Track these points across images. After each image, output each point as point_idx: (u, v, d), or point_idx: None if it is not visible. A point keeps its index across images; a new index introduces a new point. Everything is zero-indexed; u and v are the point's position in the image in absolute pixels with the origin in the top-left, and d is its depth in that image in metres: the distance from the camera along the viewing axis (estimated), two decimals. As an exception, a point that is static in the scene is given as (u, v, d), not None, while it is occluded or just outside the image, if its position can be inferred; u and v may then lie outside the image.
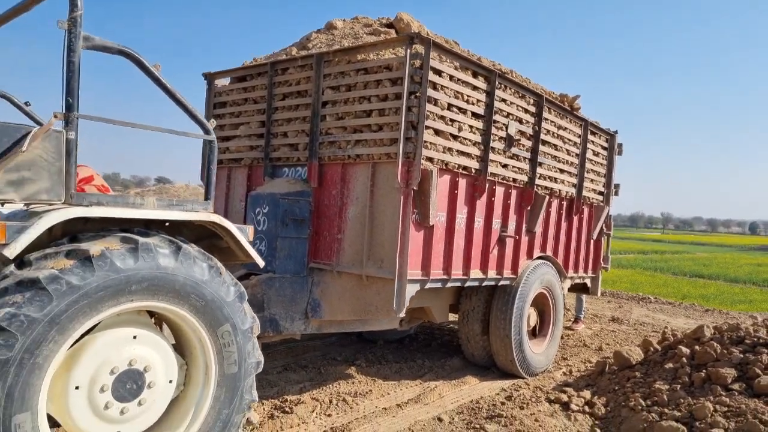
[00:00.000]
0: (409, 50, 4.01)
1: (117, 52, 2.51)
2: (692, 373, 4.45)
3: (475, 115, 4.67)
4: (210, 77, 5.52)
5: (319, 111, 4.59)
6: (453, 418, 4.42)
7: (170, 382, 2.86)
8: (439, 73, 4.23)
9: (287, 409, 4.36)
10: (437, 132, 4.29)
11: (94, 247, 2.42)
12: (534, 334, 6.17)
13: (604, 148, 7.22)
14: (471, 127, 4.63)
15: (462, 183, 4.66)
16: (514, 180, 5.32)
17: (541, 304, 6.21)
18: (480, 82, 4.69)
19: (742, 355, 4.37)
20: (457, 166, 4.53)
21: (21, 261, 2.35)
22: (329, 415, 4.37)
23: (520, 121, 5.28)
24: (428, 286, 4.40)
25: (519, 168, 5.34)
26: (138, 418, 2.72)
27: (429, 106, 4.12)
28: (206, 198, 2.98)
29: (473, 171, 4.74)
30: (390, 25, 5.26)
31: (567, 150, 6.20)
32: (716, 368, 4.23)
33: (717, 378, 4.15)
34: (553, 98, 5.89)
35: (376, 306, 4.25)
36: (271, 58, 5.22)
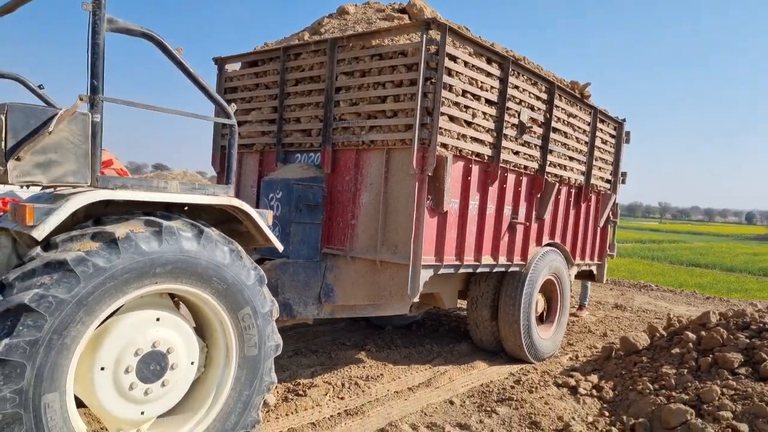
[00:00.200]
0: (425, 36, 3.99)
1: (140, 34, 2.51)
2: (699, 357, 4.50)
3: (488, 101, 4.67)
4: (221, 62, 5.50)
5: (332, 97, 4.58)
6: (464, 401, 4.48)
7: (192, 363, 2.90)
8: (454, 59, 4.22)
9: (300, 392, 4.42)
10: (452, 118, 4.29)
11: (120, 230, 2.44)
12: (541, 320, 6.22)
13: (612, 136, 7.22)
14: (484, 113, 4.63)
15: (475, 170, 4.67)
16: (525, 167, 5.33)
17: (549, 290, 6.25)
18: (494, 69, 4.68)
19: (748, 341, 4.41)
20: (470, 152, 4.54)
21: (47, 243, 2.38)
22: (342, 398, 4.42)
23: (532, 108, 5.28)
24: (441, 271, 4.43)
25: (530, 155, 5.35)
26: (161, 399, 2.76)
27: (444, 92, 4.12)
28: (227, 182, 3.00)
29: (486, 158, 4.75)
30: (402, 11, 5.23)
31: (576, 138, 6.20)
32: (723, 353, 4.28)
33: (724, 362, 4.21)
34: (564, 86, 5.88)
35: (390, 291, 4.29)
36: (283, 43, 5.20)
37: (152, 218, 2.60)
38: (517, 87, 5.00)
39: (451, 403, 4.43)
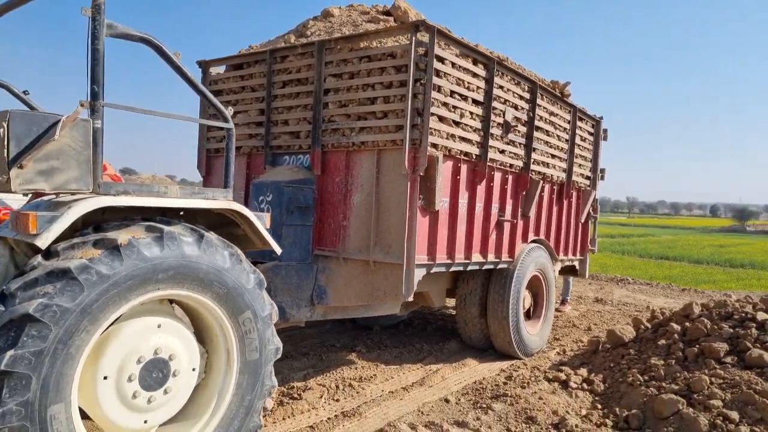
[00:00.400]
0: (414, 38, 4.03)
1: (139, 39, 2.48)
2: (685, 348, 4.63)
3: (475, 101, 4.74)
4: (205, 65, 5.44)
5: (321, 99, 4.59)
6: (459, 399, 4.52)
7: (193, 370, 2.87)
8: (442, 60, 4.27)
9: (295, 395, 4.40)
10: (441, 119, 4.34)
11: (122, 237, 2.40)
12: (528, 315, 6.32)
13: (590, 134, 7.38)
14: (471, 113, 4.70)
15: (463, 169, 4.73)
16: (511, 165, 5.41)
17: (535, 286, 6.36)
18: (479, 69, 4.75)
19: (732, 330, 4.57)
20: (459, 152, 4.60)
21: (47, 251, 2.33)
22: (337, 400, 4.42)
23: (516, 107, 5.36)
24: (434, 270, 4.47)
25: (515, 153, 5.44)
26: (164, 406, 2.73)
27: (433, 93, 4.16)
28: (225, 186, 2.98)
29: (474, 157, 4.81)
30: (387, 13, 5.26)
31: (558, 136, 6.32)
32: (709, 343, 4.42)
33: (710, 352, 4.34)
34: (546, 85, 5.99)
35: (383, 291, 4.31)
36: (269, 46, 5.18)
37: (153, 224, 2.58)
38: (501, 87, 5.07)
39: (447, 401, 4.47)
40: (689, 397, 3.91)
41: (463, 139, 4.63)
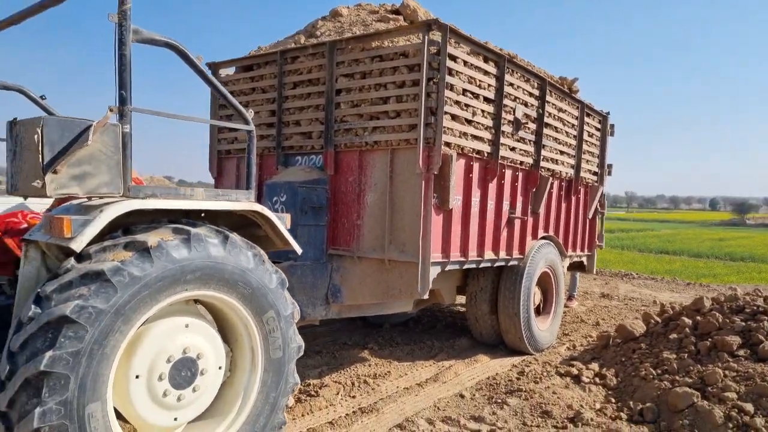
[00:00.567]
0: (427, 37, 4.06)
1: (163, 44, 2.52)
2: (697, 342, 4.67)
3: (486, 99, 4.77)
4: (215, 67, 5.48)
5: (333, 99, 4.62)
6: (474, 395, 4.57)
7: (219, 368, 2.92)
8: (454, 58, 4.30)
9: (312, 392, 4.46)
10: (453, 117, 4.38)
11: (151, 239, 2.45)
12: (538, 311, 6.36)
13: (598, 130, 7.41)
14: (483, 111, 4.73)
15: (476, 167, 4.77)
16: (521, 163, 5.45)
17: (545, 282, 6.40)
18: (490, 67, 4.78)
19: (744, 324, 4.61)
20: (471, 150, 4.64)
21: (79, 254, 2.37)
22: (353, 397, 4.47)
23: (526, 104, 5.40)
24: (448, 267, 4.52)
25: (525, 151, 5.48)
26: (193, 404, 2.78)
27: (446, 92, 4.20)
28: (247, 187, 3.02)
29: (485, 155, 4.85)
30: (396, 12, 5.29)
31: (566, 132, 6.36)
32: (721, 336, 4.46)
33: (723, 345, 4.38)
34: (554, 82, 6.03)
35: (399, 289, 4.35)
36: (279, 47, 5.22)
37: (180, 226, 2.62)
38: (512, 84, 5.11)
39: (462, 396, 4.52)
40: (703, 390, 3.96)
41: (475, 137, 4.66)
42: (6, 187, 2.42)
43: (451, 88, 4.29)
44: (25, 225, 2.83)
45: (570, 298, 9.04)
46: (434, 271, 4.32)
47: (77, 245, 2.24)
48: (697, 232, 39.44)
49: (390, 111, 4.34)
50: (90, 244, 2.41)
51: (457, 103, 4.41)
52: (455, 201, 4.51)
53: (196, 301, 3.00)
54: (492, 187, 5.06)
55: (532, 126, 5.56)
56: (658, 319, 5.66)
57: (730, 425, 3.59)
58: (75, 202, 2.49)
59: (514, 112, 5.17)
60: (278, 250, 3.40)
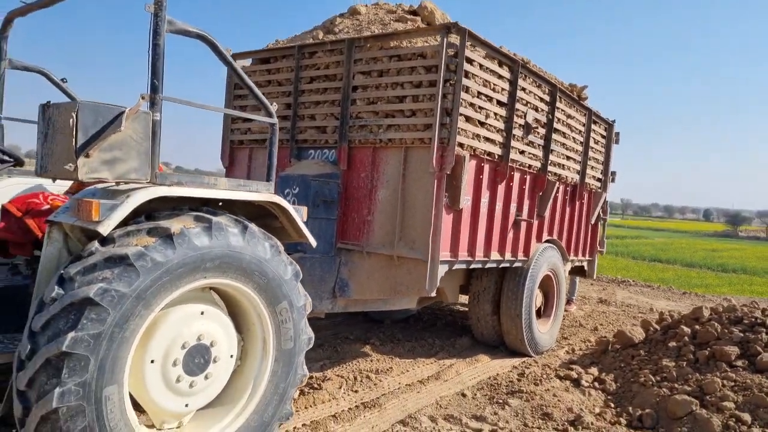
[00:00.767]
0: (446, 39, 4.10)
1: (195, 36, 2.56)
2: (696, 351, 4.74)
3: (499, 102, 4.81)
4: (232, 58, 5.48)
5: (349, 95, 4.66)
6: (475, 394, 4.62)
7: (231, 356, 2.95)
8: (470, 61, 4.34)
9: (316, 385, 4.49)
10: (467, 119, 4.42)
11: (174, 226, 2.48)
12: (539, 314, 6.42)
13: (603, 137, 7.47)
14: (496, 114, 4.77)
15: (486, 168, 4.81)
16: (530, 166, 5.50)
17: (547, 285, 6.45)
18: (504, 71, 4.82)
19: (742, 334, 4.67)
20: (483, 152, 4.68)
21: (104, 237, 2.40)
22: (356, 391, 4.52)
23: (536, 109, 5.44)
24: (456, 266, 4.56)
25: (534, 155, 5.52)
26: (204, 391, 2.81)
27: (462, 94, 4.23)
28: (268, 179, 3.05)
29: (496, 157, 4.89)
30: (414, 12, 5.33)
31: (573, 138, 6.41)
32: (720, 346, 4.52)
33: (721, 355, 4.45)
34: (564, 88, 6.07)
35: (406, 285, 4.40)
36: (296, 41, 5.24)
37: (201, 214, 2.65)
38: (524, 89, 5.15)
39: (463, 395, 4.57)
40: (702, 399, 4.02)
41: (487, 139, 4.71)
42: (35, 169, 2.44)
43: (467, 90, 4.33)
44: (47, 206, 2.86)
45: (568, 302, 9.09)
46: (442, 269, 4.37)
47: (104, 229, 2.27)
48: (690, 242, 39.61)
49: (406, 110, 4.38)
50: (114, 228, 2.44)
51: (472, 105, 4.44)
52: (465, 201, 4.56)
53: (211, 288, 3.04)
54: (501, 189, 5.10)
55: (542, 131, 5.61)
56: (657, 327, 5.72)
57: (728, 434, 3.65)
58: (100, 186, 2.52)
59: (525, 116, 5.21)
60: (293, 242, 3.43)
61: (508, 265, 5.48)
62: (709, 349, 4.66)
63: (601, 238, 8.04)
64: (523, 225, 5.61)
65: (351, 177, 4.71)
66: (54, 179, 2.53)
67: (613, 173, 7.93)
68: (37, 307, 2.28)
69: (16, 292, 2.80)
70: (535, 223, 5.87)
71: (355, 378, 4.77)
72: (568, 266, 7.15)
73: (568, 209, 6.70)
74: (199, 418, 2.94)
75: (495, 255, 5.17)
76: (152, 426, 2.73)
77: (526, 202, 5.61)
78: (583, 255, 7.44)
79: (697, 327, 5.12)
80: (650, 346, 5.33)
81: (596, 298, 10.50)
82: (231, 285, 2.82)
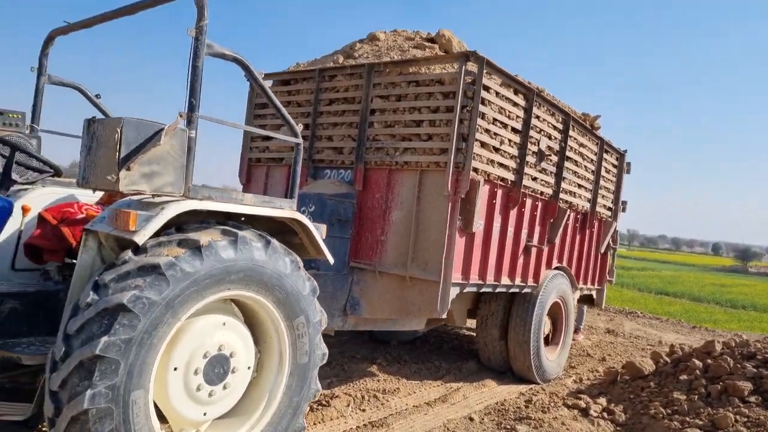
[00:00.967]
0: (464, 67, 4.24)
1: (232, 59, 2.70)
2: (708, 385, 4.73)
3: (514, 129, 4.93)
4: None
5: (367, 118, 4.79)
6: (483, 419, 4.63)
7: (248, 368, 3.02)
8: (487, 89, 4.48)
9: (324, 402, 4.53)
10: (483, 144, 4.53)
11: (203, 238, 2.58)
12: (547, 341, 6.43)
13: (614, 166, 7.56)
14: (510, 140, 4.89)
15: (499, 193, 4.91)
16: (541, 193, 5.59)
17: (555, 313, 6.47)
18: (519, 99, 4.95)
19: (755, 370, 4.67)
20: (496, 177, 4.78)
21: (136, 247, 2.51)
22: (363, 410, 4.54)
23: (550, 137, 5.56)
24: (467, 289, 4.63)
25: (546, 181, 5.62)
26: (222, 401, 2.87)
27: (478, 120, 4.36)
28: (290, 197, 3.16)
29: (509, 182, 4.99)
30: (431, 40, 5.49)
31: (585, 166, 6.51)
32: (733, 381, 4.52)
33: (734, 390, 4.44)
34: (577, 117, 6.20)
35: (418, 306, 4.46)
36: (316, 65, 5.41)
37: (228, 228, 2.75)
38: (538, 117, 5.28)
39: (471, 419, 4.58)
40: (712, 432, 4.02)
41: (501, 164, 4.81)
42: (77, 180, 2.56)
43: (483, 116, 4.45)
44: (81, 215, 2.97)
45: (576, 330, 9.07)
46: (454, 292, 4.43)
47: (140, 238, 2.37)
48: (698, 276, 39.23)
49: (422, 134, 4.50)
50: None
51: (487, 131, 4.56)
52: (478, 225, 4.64)
53: (231, 300, 3.12)
54: (513, 214, 5.19)
55: (554, 158, 5.71)
56: (668, 359, 5.71)
57: (739, 469, 3.65)
58: (134, 198, 2.63)
59: (538, 143, 5.32)
60: (311, 258, 3.52)
61: (517, 290, 5.53)
62: (721, 383, 4.66)
63: (611, 268, 8.06)
64: (534, 251, 5.67)
65: (366, 197, 4.82)
66: (94, 190, 2.65)
67: (624, 203, 8.00)
68: (72, 311, 2.37)
69: (48, 297, 2.90)
70: (546, 249, 5.93)
71: (363, 397, 4.80)
72: (577, 294, 7.17)
73: (578, 237, 6.76)
74: (215, 427, 2.99)
75: (505, 279, 5.22)
76: None
77: (537, 228, 5.69)
78: (592, 283, 7.47)
79: (709, 361, 5.11)
80: (660, 379, 5.32)
81: (603, 329, 10.45)
82: (252, 297, 2.90)
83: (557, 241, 6.12)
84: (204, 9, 2.54)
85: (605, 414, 4.92)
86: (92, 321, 2.27)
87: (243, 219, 3.23)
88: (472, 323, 6.80)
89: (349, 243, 4.83)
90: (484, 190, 4.65)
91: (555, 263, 6.22)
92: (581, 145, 6.27)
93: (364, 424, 4.25)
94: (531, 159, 5.24)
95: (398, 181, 4.67)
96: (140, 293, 2.32)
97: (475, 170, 4.45)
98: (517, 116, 4.95)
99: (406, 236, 4.54)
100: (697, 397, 4.56)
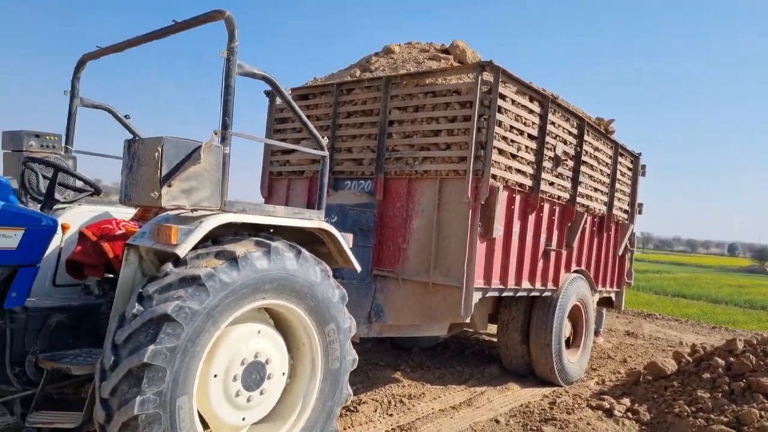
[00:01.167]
0: (480, 77, 4.35)
1: (261, 77, 2.83)
2: (731, 382, 4.75)
3: (530, 136, 5.02)
4: (272, 95, 5.83)
5: (385, 129, 4.91)
6: (509, 421, 4.69)
7: (283, 374, 3.13)
8: (503, 97, 4.58)
9: (351, 408, 4.62)
10: (500, 151, 4.62)
11: (239, 250, 2.70)
12: (568, 344, 6.46)
13: (630, 169, 7.61)
14: (526, 147, 4.98)
15: (517, 199, 4.99)
16: (559, 197, 5.66)
17: (575, 316, 6.51)
18: (535, 106, 5.04)
19: (778, 366, 4.68)
20: (514, 183, 4.87)
21: (176, 260, 2.63)
22: (391, 415, 4.62)
23: (565, 142, 5.64)
24: (489, 294, 4.70)
25: (563, 186, 5.69)
26: (259, 406, 2.98)
27: (495, 128, 4.45)
28: (319, 207, 3.28)
29: (527, 188, 5.08)
30: (446, 51, 5.62)
31: (601, 170, 6.57)
32: (757, 378, 4.53)
33: (758, 387, 4.46)
34: (592, 122, 6.27)
35: (441, 312, 4.54)
36: (334, 79, 5.55)
37: (261, 239, 2.87)
38: (553, 123, 5.36)
39: (497, 422, 4.64)
40: (739, 430, 4.04)
41: (518, 171, 4.90)
42: (119, 197, 2.70)
43: (500, 124, 4.55)
44: (120, 231, 3.11)
45: (596, 333, 9.06)
46: (476, 296, 4.51)
47: (182, 251, 2.50)
48: (715, 277, 38.60)
49: (441, 143, 4.61)
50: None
51: (504, 138, 4.66)
52: (498, 230, 4.72)
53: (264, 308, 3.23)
54: (531, 219, 5.26)
55: (570, 163, 5.78)
56: (690, 359, 5.72)
57: (766, 464, 3.67)
58: (173, 213, 2.76)
59: (554, 149, 5.40)
60: (339, 267, 3.63)
61: (538, 294, 5.59)
62: (744, 380, 4.67)
63: (629, 270, 8.07)
64: (553, 255, 5.73)
65: (387, 207, 4.93)
66: (137, 207, 2.78)
67: (640, 205, 8.03)
68: (118, 322, 2.49)
69: (90, 311, 3.03)
70: (564, 253, 5.99)
71: (389, 402, 4.88)
72: (596, 297, 7.20)
73: (596, 240, 6.80)
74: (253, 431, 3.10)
75: (526, 284, 5.29)
76: None
77: (555, 233, 5.75)
78: (611, 286, 7.49)
79: (731, 359, 5.13)
80: (683, 378, 5.34)
81: (623, 331, 10.42)
82: (285, 306, 3.01)
83: (575, 244, 6.17)
84: (234, 31, 2.67)
85: (630, 414, 4.94)
86: (139, 331, 2.39)
87: (272, 231, 3.35)
88: (492, 329, 6.85)
89: (372, 251, 4.93)
90: (503, 196, 4.74)
91: (574, 266, 6.26)
92: (596, 149, 6.33)
93: (393, 429, 4.33)
94: (548, 164, 5.32)
95: (418, 189, 4.77)
96: (183, 303, 2.44)
97: (494, 177, 4.55)
98: (533, 123, 5.04)
99: (428, 243, 4.64)
100: (720, 394, 4.58)
